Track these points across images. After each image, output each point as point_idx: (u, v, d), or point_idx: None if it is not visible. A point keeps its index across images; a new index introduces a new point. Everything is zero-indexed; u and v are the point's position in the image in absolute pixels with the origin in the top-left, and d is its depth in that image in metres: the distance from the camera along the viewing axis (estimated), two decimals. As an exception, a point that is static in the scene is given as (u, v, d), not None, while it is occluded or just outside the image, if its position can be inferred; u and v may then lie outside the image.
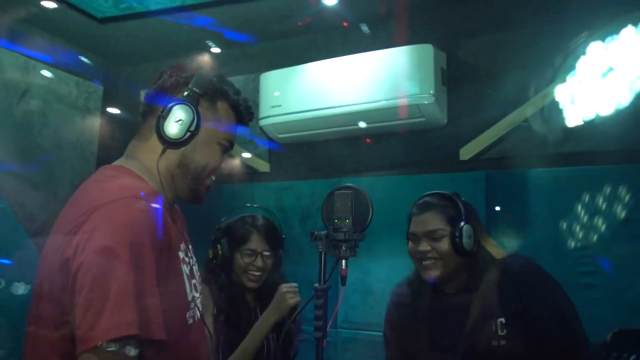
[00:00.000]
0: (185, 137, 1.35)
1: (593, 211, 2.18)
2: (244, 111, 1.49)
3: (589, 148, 2.27)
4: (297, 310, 1.94)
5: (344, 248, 1.57)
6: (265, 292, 2.09)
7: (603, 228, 2.15)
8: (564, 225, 2.17)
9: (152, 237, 1.24)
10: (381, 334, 2.47)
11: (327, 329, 1.59)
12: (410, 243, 1.86)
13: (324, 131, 2.69)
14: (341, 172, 2.71)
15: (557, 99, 2.24)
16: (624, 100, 2.08)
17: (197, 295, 1.43)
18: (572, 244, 2.17)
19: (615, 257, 2.08)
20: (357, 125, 2.60)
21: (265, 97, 2.79)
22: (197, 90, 1.38)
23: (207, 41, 2.99)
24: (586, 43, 2.10)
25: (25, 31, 2.84)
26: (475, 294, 1.73)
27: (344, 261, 1.58)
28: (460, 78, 2.55)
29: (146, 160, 1.39)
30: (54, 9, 2.70)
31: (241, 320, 2.00)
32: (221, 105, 1.45)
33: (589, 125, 2.18)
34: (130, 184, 1.32)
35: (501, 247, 1.93)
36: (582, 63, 2.12)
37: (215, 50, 3.10)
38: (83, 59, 3.17)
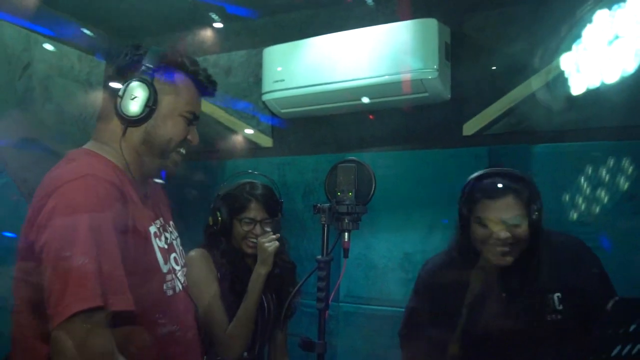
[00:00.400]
0: (144, 114, 1.35)
1: (596, 187, 2.17)
2: (205, 81, 1.48)
3: (593, 124, 2.26)
4: (301, 282, 1.92)
5: (346, 221, 1.59)
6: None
7: (606, 203, 2.14)
8: (567, 201, 2.17)
9: (110, 212, 1.25)
10: (383, 308, 2.49)
11: (330, 302, 1.61)
12: (480, 228, 1.74)
13: (327, 106, 2.68)
14: (344, 147, 2.70)
15: (562, 68, 2.21)
16: (630, 67, 2.05)
17: (177, 267, 1.45)
18: (575, 219, 2.17)
19: (618, 232, 2.08)
20: (361, 100, 2.58)
21: (268, 72, 2.77)
22: (151, 66, 1.37)
23: (210, 15, 2.96)
24: (593, 11, 2.07)
25: (27, 4, 2.81)
26: (531, 268, 1.71)
27: (346, 234, 1.60)
28: (464, 53, 2.52)
29: (110, 141, 1.40)
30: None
31: (243, 284, 2.01)
32: (180, 77, 1.43)
33: (594, 96, 2.15)
34: (87, 164, 1.33)
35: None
36: (588, 31, 2.09)
37: (218, 25, 3.07)
38: (85, 32, 3.15)
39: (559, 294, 1.67)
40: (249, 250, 2.08)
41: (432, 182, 2.48)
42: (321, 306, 1.59)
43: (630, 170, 2.12)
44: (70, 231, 1.19)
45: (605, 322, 1.18)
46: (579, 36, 2.11)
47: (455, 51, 2.52)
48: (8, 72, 2.78)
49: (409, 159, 2.56)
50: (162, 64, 1.40)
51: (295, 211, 2.68)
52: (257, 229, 2.07)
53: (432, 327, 1.86)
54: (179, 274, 1.44)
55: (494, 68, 2.46)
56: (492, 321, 1.73)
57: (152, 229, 1.39)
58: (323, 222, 1.62)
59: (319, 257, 1.60)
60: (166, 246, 1.43)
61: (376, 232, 2.52)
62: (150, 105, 1.35)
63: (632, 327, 1.18)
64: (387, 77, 2.47)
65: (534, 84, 2.34)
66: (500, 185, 1.76)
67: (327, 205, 1.62)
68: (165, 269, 1.39)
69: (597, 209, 2.16)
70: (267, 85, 2.77)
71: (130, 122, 1.36)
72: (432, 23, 2.44)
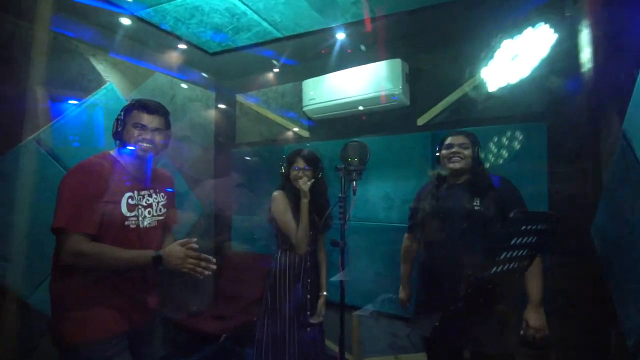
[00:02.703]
0: (118, 132, 1.48)
1: (498, 155, 2.08)
2: (146, 105, 1.50)
3: (502, 113, 2.16)
4: (330, 209, 1.87)
5: (354, 174, 1.56)
6: (314, 192, 2.01)
7: (500, 162, 2.05)
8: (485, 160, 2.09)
9: (93, 177, 1.35)
10: (372, 223, 2.47)
11: (347, 219, 1.58)
12: (443, 151, 1.75)
13: (339, 112, 2.63)
14: (350, 135, 2.65)
15: (482, 76, 2.11)
16: (525, 74, 1.96)
17: (147, 215, 1.49)
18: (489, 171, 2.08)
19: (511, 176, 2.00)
20: (358, 108, 2.53)
21: (306, 94, 2.72)
22: (122, 110, 1.49)
23: (271, 64, 2.90)
24: (501, 40, 1.95)
25: (170, 61, 2.78)
26: (470, 184, 1.69)
27: (354, 182, 1.56)
28: (417, 76, 2.43)
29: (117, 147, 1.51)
30: (184, 49, 2.63)
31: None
32: (133, 109, 1.49)
33: (503, 93, 2.06)
34: (96, 157, 1.42)
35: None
36: (498, 53, 1.98)
37: (276, 69, 3.01)
38: (203, 75, 3.11)
39: (478, 199, 1.63)
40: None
41: (399, 154, 2.43)
42: (342, 222, 1.56)
43: (520, 140, 2.02)
44: (64, 183, 1.33)
45: (508, 223, 1.12)
46: (492, 57, 2.00)
47: (412, 76, 2.43)
48: (162, 100, 2.74)
49: (385, 140, 2.50)
50: (126, 108, 1.50)
51: (324, 172, 2.64)
52: (301, 173, 1.97)
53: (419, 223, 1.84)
54: (141, 217, 1.47)
55: (432, 85, 2.37)
56: (441, 206, 1.72)
57: (128, 193, 1.44)
58: (341, 176, 1.60)
59: (340, 195, 1.57)
60: (140, 203, 1.48)
61: (369, 181, 2.49)
62: (120, 127, 1.48)
63: (525, 228, 1.11)
64: (372, 93, 2.41)
65: (466, 88, 2.23)
66: (457, 131, 1.79)
67: (342, 166, 1.59)
68: (128, 214, 1.43)
69: (491, 165, 2.07)
70: (305, 102, 2.72)
71: (114, 135, 1.49)
72: (397, 61, 2.36)
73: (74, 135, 2.15)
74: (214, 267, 1.38)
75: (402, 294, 1.96)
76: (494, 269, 1.11)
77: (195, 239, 1.41)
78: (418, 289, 1.81)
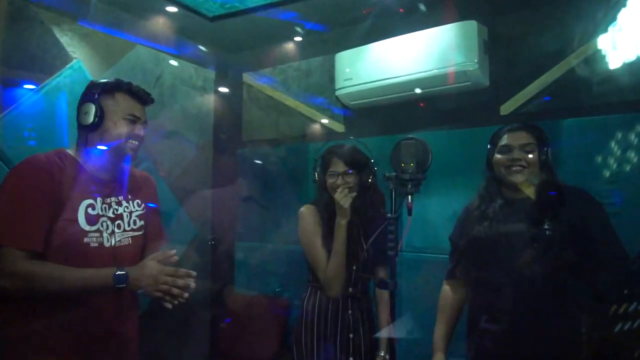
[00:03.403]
0: (95, 122, 1.51)
1: (615, 155, 2.02)
2: (138, 92, 1.60)
3: (610, 99, 2.11)
4: (375, 234, 1.86)
5: (410, 186, 1.56)
6: (361, 206, 1.98)
7: (628, 169, 1.99)
8: (589, 167, 2.04)
9: (40, 178, 1.41)
10: (436, 255, 2.44)
11: (399, 250, 1.58)
12: (497, 155, 1.74)
13: (387, 97, 2.64)
14: (400, 130, 2.65)
15: (599, 47, 2.07)
16: None
17: (117, 230, 1.55)
18: (598, 183, 2.03)
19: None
20: (414, 91, 2.53)
21: (340, 72, 2.75)
22: (96, 91, 1.54)
23: (293, 29, 2.96)
24: None
25: (156, 31, 2.90)
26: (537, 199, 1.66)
27: (410, 196, 1.56)
28: (500, 47, 2.42)
29: (78, 143, 1.57)
30: (175, 12, 2.74)
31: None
32: (119, 94, 1.56)
33: (629, 70, 2.00)
34: (45, 154, 1.48)
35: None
36: (623, 13, 1.93)
37: (298, 38, 3.06)
38: (199, 48, 3.22)
39: (549, 219, 1.60)
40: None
41: (474, 155, 2.39)
42: (392, 253, 1.56)
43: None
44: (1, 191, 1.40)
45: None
46: (614, 17, 1.95)
47: (492, 45, 2.41)
48: (144, 82, 2.90)
49: (454, 137, 2.49)
50: (104, 89, 1.55)
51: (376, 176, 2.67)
52: (339, 180, 1.94)
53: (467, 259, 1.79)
54: (105, 233, 1.52)
55: (524, 59, 2.34)
56: (497, 233, 1.68)
57: (87, 201, 1.49)
58: (391, 188, 1.60)
59: (389, 214, 1.57)
60: (105, 214, 1.53)
61: (431, 195, 2.48)
62: (99, 116, 1.51)
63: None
64: (435, 71, 2.40)
65: (573, 62, 2.19)
66: (518, 123, 1.76)
67: (393, 174, 1.60)
68: (88, 227, 1.47)
69: (618, 172, 2.01)
70: (339, 83, 2.75)
71: (84, 128, 1.54)
72: (472, 24, 2.35)
73: (30, 131, 2.27)
74: (193, 285, 1.43)
75: None
76: (619, 325, 1.08)
77: (174, 250, 1.47)
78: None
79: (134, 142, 1.56)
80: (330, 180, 1.97)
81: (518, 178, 1.67)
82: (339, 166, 1.96)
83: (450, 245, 1.90)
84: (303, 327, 1.97)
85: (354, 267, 1.95)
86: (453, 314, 1.88)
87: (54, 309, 1.41)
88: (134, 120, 1.57)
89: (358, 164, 1.97)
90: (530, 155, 1.67)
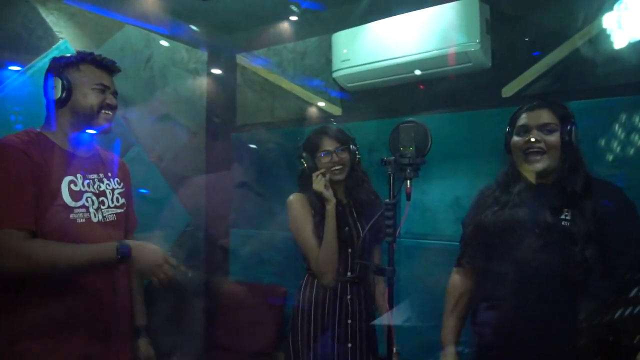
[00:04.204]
0: (63, 96, 1.53)
1: (621, 138, 2.00)
2: (102, 61, 1.62)
3: (617, 81, 2.08)
4: (372, 220, 1.86)
5: (408, 170, 1.55)
6: (353, 186, 2.05)
7: (632, 153, 1.96)
8: (594, 150, 2.01)
9: (17, 157, 1.40)
10: (436, 242, 2.43)
11: (397, 236, 1.57)
12: (515, 137, 1.63)
13: (385, 79, 2.60)
14: (400, 113, 2.63)
15: (603, 26, 2.03)
16: None
17: (102, 207, 1.58)
18: (603, 167, 2.01)
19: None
20: (413, 73, 2.50)
21: (337, 53, 2.72)
22: (60, 65, 1.56)
23: (287, 9, 2.92)
24: None
25: (146, 10, 2.85)
26: (558, 186, 1.57)
27: (408, 181, 1.55)
28: (502, 26, 2.37)
29: (47, 121, 1.59)
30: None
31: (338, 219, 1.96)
32: (83, 66, 1.57)
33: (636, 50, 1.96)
34: (15, 134, 1.49)
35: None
36: None
37: (294, 17, 3.02)
38: (191, 28, 3.17)
39: (567, 210, 1.52)
40: (336, 178, 2.00)
41: (476, 139, 2.39)
42: (390, 240, 1.55)
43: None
44: None
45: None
46: None
47: (495, 24, 2.37)
48: (134, 64, 2.86)
49: (455, 119, 2.46)
50: (67, 62, 1.57)
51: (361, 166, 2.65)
52: (334, 157, 1.99)
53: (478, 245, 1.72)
54: (91, 209, 1.54)
55: (526, 39, 2.30)
56: (513, 220, 1.61)
57: (68, 177, 1.50)
58: (389, 173, 1.58)
59: (387, 200, 1.56)
60: (88, 189, 1.54)
61: (431, 180, 2.47)
62: (67, 89, 1.53)
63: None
64: (435, 51, 2.37)
65: (578, 42, 2.15)
66: (538, 101, 1.65)
67: (392, 158, 1.58)
68: (73, 203, 1.49)
69: (623, 157, 1.98)
70: (336, 65, 2.72)
71: (55, 102, 1.55)
72: (474, 3, 2.30)
73: (17, 115, 2.24)
74: (190, 274, 1.54)
75: None
76: (620, 311, 1.07)
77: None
78: (477, 353, 1.72)
79: (107, 112, 1.59)
80: (324, 160, 1.99)
81: (536, 167, 1.57)
82: (332, 143, 2.00)
83: (462, 229, 1.83)
84: (299, 315, 1.97)
85: (349, 251, 1.96)
86: (463, 303, 1.82)
87: (52, 288, 1.43)
88: (102, 89, 1.59)
89: (347, 140, 2.03)
90: (552, 138, 1.55)
